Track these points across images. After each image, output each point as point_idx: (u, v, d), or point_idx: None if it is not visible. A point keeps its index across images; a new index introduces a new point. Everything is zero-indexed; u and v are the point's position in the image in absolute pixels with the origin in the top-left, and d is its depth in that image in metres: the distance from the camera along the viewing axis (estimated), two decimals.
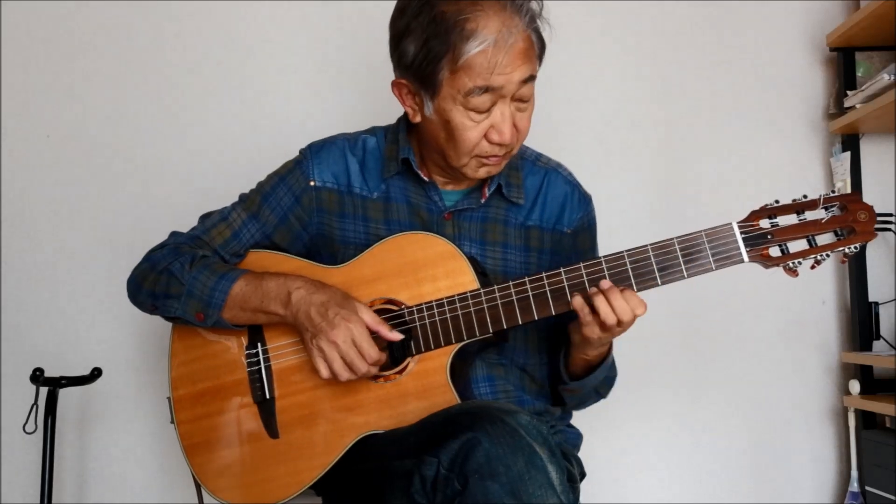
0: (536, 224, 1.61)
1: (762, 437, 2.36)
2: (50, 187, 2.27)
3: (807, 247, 1.38)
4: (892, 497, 2.08)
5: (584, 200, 1.66)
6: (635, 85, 2.39)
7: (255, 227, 1.60)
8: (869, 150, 2.36)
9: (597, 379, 1.56)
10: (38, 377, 1.88)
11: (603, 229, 1.72)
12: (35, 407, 1.88)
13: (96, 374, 1.95)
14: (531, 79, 1.45)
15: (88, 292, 2.26)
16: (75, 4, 2.29)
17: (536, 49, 1.46)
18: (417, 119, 1.51)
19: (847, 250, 1.37)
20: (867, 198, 2.25)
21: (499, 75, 1.40)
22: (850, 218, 1.37)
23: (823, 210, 1.38)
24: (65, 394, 1.96)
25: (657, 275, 1.40)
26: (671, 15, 2.40)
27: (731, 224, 1.39)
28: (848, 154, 2.31)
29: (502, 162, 1.51)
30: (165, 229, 1.67)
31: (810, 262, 1.38)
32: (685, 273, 1.39)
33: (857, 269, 2.31)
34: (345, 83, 2.34)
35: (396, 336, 1.43)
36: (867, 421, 2.24)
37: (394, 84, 1.52)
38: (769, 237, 1.38)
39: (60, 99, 2.29)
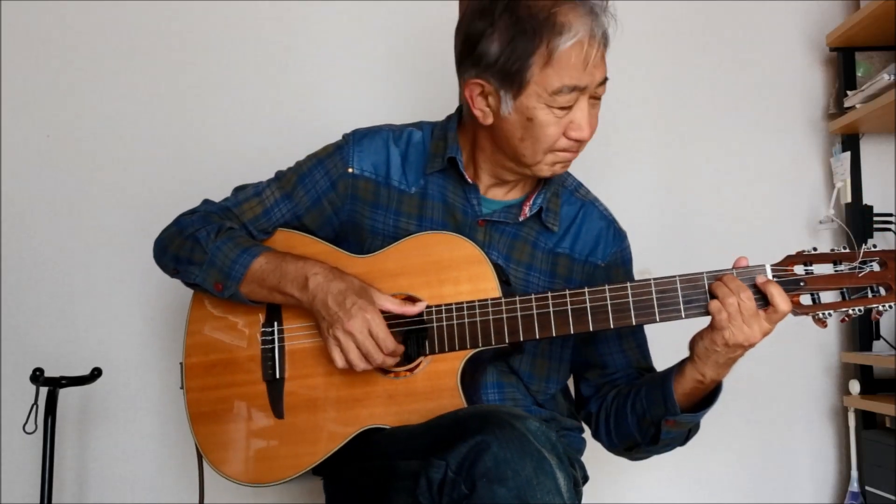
0: (566, 253, 1.59)
1: (762, 436, 2.36)
2: (50, 187, 2.27)
3: (839, 298, 1.35)
4: (892, 497, 2.08)
5: (620, 236, 1.65)
6: (635, 85, 2.39)
7: (286, 207, 1.59)
8: (869, 150, 2.36)
9: (703, 414, 1.48)
10: (38, 377, 1.88)
11: None
12: (35, 407, 1.87)
13: (96, 374, 1.95)
14: (605, 81, 1.47)
15: (88, 292, 2.26)
16: (75, 4, 2.29)
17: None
18: (489, 121, 1.48)
19: (881, 308, 1.34)
20: (867, 198, 2.29)
21: (587, 73, 1.42)
22: (889, 275, 1.34)
23: (861, 263, 1.35)
24: (65, 394, 1.95)
25: (682, 307, 1.38)
26: (671, 15, 2.40)
27: (764, 266, 1.37)
28: (848, 154, 2.31)
29: (574, 158, 1.52)
30: None
31: (841, 315, 1.36)
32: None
33: None
34: (345, 83, 2.34)
35: (420, 307, 1.43)
36: (867, 421, 2.24)
37: (467, 85, 1.48)
38: (802, 284, 1.35)
39: (60, 99, 2.29)
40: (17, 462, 2.21)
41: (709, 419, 2.33)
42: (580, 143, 1.48)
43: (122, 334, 2.25)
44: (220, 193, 1.69)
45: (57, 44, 2.30)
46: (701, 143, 2.39)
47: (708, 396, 1.46)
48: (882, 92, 2.14)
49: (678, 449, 2.31)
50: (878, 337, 2.29)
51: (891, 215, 2.31)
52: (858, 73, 2.33)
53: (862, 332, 2.28)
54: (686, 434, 1.54)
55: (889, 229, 2.31)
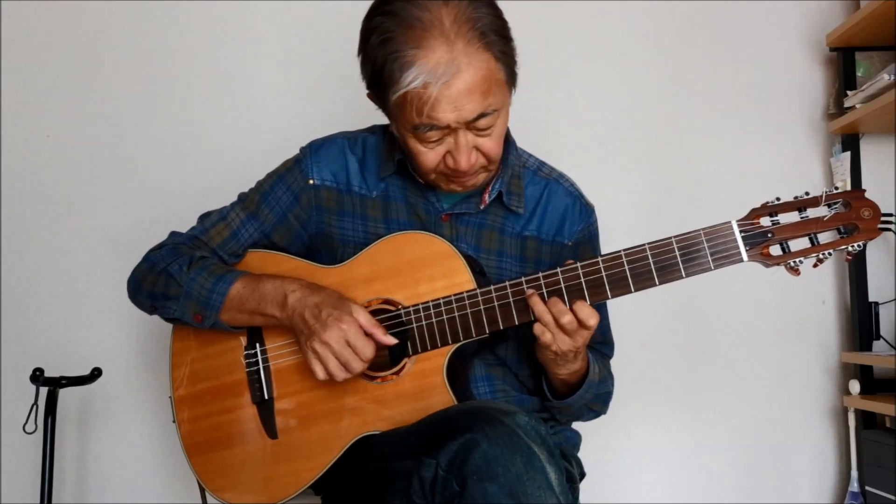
0: (534, 235, 1.58)
1: (762, 437, 2.36)
2: (50, 187, 2.28)
3: (809, 245, 1.35)
4: (892, 497, 2.08)
5: (586, 212, 1.62)
6: (635, 85, 2.40)
7: (253, 227, 1.59)
8: (869, 150, 2.36)
9: (582, 398, 1.51)
10: (38, 377, 1.88)
11: (602, 229, 1.71)
12: (35, 407, 1.87)
13: (96, 374, 1.95)
14: (483, 116, 1.37)
15: (88, 292, 2.27)
16: (75, 4, 2.30)
17: (503, 76, 1.38)
18: (394, 130, 1.49)
19: (850, 248, 1.35)
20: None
21: (441, 112, 1.34)
22: (854, 215, 1.35)
23: (826, 207, 1.35)
24: (65, 394, 1.95)
25: (655, 275, 1.38)
26: (671, 15, 2.40)
27: (730, 223, 1.37)
28: (848, 154, 2.31)
29: (478, 177, 1.48)
30: (165, 229, 1.67)
31: (812, 260, 1.36)
32: (683, 273, 1.37)
33: (857, 269, 2.31)
34: (345, 83, 2.34)
35: (390, 340, 1.42)
36: (867, 421, 2.24)
37: (368, 95, 1.48)
38: (769, 235, 1.36)
39: (60, 99, 2.29)
40: (17, 462, 2.21)
41: (709, 419, 2.35)
42: (463, 172, 1.43)
43: (122, 334, 2.26)
44: (219, 193, 1.69)
45: (57, 44, 2.30)
46: (700, 143, 2.39)
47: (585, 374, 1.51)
48: (882, 92, 2.14)
49: (678, 449, 2.34)
50: (878, 337, 2.29)
51: (891, 215, 2.30)
52: (858, 73, 2.33)
53: (862, 332, 2.28)
54: (587, 409, 1.58)
55: (889, 229, 2.30)
